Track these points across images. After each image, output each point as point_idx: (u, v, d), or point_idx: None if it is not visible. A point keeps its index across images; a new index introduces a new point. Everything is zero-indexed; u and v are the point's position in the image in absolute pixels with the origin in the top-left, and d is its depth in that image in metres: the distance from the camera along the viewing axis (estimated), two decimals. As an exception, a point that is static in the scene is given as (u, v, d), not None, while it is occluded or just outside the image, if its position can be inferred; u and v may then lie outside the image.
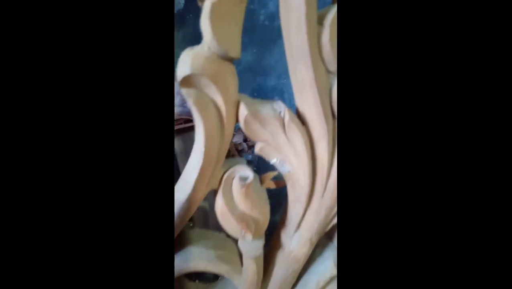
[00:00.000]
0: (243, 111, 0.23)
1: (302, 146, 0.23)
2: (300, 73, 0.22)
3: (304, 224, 0.28)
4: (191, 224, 0.61)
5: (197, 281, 0.44)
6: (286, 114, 0.23)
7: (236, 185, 0.26)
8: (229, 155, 0.78)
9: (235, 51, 0.22)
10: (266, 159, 0.27)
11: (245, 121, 0.23)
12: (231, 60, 0.23)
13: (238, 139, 0.70)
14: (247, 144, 0.66)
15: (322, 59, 0.23)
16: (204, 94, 0.22)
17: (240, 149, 0.71)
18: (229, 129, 0.24)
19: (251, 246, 0.30)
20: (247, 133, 0.24)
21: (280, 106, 0.24)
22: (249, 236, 0.28)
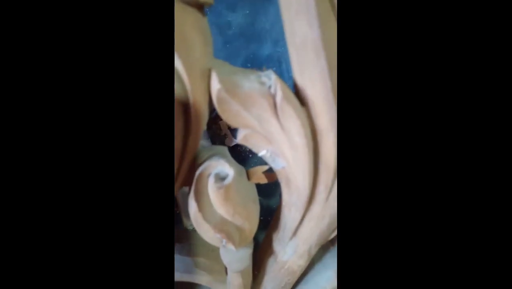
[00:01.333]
0: (214, 84, 0.15)
1: (300, 137, 0.17)
2: (301, 31, 0.15)
3: (302, 232, 0.22)
4: (177, 211, 0.56)
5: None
6: (278, 89, 0.16)
7: (212, 186, 0.19)
8: (220, 135, 0.70)
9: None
10: (253, 150, 0.20)
11: (219, 99, 0.16)
12: (200, 7, 0.16)
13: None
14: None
15: (334, 9, 0.15)
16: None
17: (233, 128, 0.64)
18: (199, 109, 0.17)
19: (235, 257, 0.24)
20: (224, 117, 0.17)
21: (270, 78, 0.16)
22: (231, 247, 0.22)
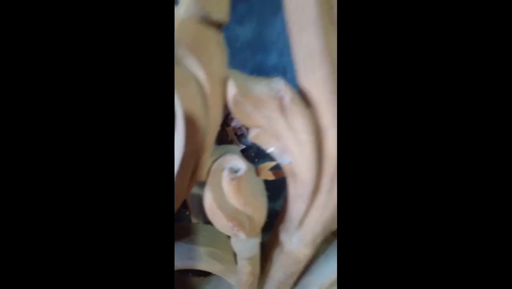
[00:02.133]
0: (231, 90, 0.18)
1: (305, 134, 0.19)
2: (305, 41, 0.18)
3: (307, 223, 0.25)
4: (187, 212, 0.58)
5: (190, 274, 0.41)
6: (287, 93, 0.18)
7: (226, 178, 0.22)
8: (227, 140, 0.73)
9: (220, 13, 0.17)
10: (263, 147, 0.23)
11: (235, 102, 0.19)
12: (217, 25, 0.19)
13: (237, 123, 0.65)
14: (247, 129, 0.59)
15: (333, 22, 0.18)
16: (182, 67, 0.17)
17: (240, 134, 0.66)
18: (215, 111, 0.20)
19: (245, 246, 0.26)
20: (238, 117, 0.20)
21: (279, 84, 0.19)
22: (242, 235, 0.24)
